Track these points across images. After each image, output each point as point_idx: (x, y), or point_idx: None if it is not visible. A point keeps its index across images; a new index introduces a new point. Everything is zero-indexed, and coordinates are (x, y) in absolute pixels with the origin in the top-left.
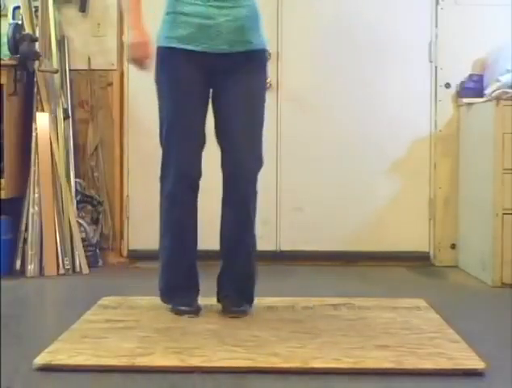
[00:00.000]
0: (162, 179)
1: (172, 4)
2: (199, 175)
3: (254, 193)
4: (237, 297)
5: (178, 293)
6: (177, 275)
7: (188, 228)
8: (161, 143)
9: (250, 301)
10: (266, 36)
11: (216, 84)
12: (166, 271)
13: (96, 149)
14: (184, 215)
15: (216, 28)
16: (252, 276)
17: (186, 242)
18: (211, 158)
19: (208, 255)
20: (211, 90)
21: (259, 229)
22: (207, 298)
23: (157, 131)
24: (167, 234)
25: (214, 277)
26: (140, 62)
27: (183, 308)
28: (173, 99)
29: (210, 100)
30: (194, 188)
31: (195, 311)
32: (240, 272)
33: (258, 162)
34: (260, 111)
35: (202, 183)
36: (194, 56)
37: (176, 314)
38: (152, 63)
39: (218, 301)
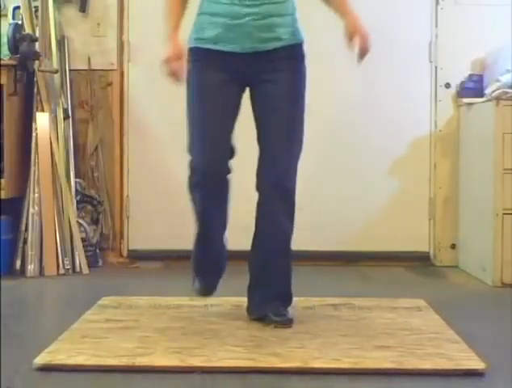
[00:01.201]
0: (189, 179)
1: (202, 5)
2: (225, 185)
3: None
4: (279, 303)
5: (199, 274)
6: (197, 259)
7: (211, 216)
8: (188, 145)
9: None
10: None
11: (250, 84)
12: (193, 252)
13: (96, 149)
14: (208, 207)
15: (244, 27)
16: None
17: (208, 228)
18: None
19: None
20: (245, 91)
21: None
22: (209, 298)
23: (157, 131)
24: (196, 221)
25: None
26: (173, 76)
27: (199, 287)
28: (199, 105)
29: (243, 101)
30: (220, 192)
31: (208, 291)
32: (277, 272)
33: (294, 163)
34: (297, 108)
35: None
36: (222, 57)
37: (193, 291)
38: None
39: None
